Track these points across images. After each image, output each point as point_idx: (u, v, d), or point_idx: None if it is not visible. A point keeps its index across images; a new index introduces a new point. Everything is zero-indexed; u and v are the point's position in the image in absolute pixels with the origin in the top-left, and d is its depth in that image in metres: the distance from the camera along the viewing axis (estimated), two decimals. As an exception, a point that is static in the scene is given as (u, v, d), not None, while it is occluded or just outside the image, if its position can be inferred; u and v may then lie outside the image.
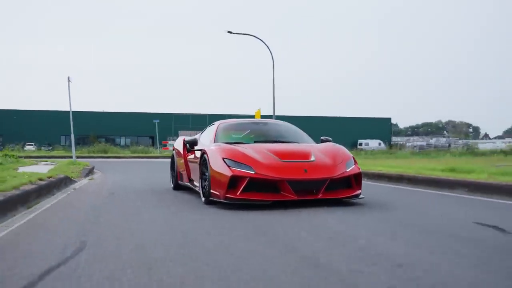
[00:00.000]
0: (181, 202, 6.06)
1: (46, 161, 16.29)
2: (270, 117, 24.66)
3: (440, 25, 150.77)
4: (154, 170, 13.43)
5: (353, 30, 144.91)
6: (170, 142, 39.69)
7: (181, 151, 7.47)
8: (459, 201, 5.99)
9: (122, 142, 56.86)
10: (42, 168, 9.91)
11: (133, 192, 7.12)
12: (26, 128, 54.70)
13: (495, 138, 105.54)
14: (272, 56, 22.31)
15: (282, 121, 7.69)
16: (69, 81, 16.41)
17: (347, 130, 59.91)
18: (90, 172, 11.30)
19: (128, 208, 5.33)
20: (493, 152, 27.10)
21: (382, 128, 66.43)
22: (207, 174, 5.73)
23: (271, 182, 5.27)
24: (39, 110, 58.05)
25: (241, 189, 5.24)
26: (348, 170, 5.60)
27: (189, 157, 7.17)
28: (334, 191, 5.45)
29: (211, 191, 5.52)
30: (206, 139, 6.83)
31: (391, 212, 4.95)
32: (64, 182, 7.60)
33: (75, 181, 8.63)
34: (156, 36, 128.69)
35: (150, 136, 52.54)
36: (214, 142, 6.38)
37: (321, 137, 6.87)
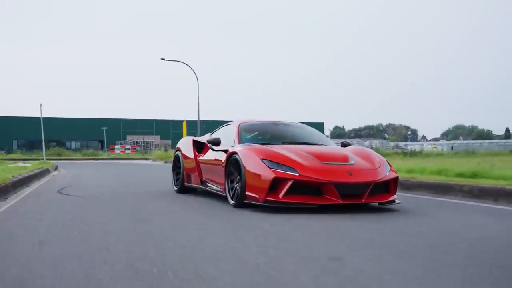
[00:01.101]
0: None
1: (19, 162, 21.25)
2: (195, 122, 29.93)
3: (379, 30, 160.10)
4: (102, 167, 18.90)
5: (290, 37, 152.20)
6: (117, 146, 44.78)
7: (189, 151, 7.33)
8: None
9: (73, 146, 60.98)
10: (26, 165, 15.13)
11: (88, 175, 12.57)
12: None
13: (432, 140, 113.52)
14: (197, 78, 27.92)
15: (301, 123, 7.53)
16: (41, 106, 22.21)
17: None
18: (56, 168, 16.54)
19: (86, 178, 10.78)
20: (409, 153, 32.72)
21: (316, 132, 72.93)
22: (238, 175, 5.60)
23: (316, 185, 5.12)
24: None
25: (283, 191, 5.08)
26: (387, 174, 5.51)
27: (201, 157, 7.02)
28: (376, 195, 5.33)
29: (247, 193, 5.34)
30: (225, 140, 6.60)
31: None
32: (47, 171, 12.98)
33: (51, 172, 13.96)
34: (105, 38, 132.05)
35: (100, 140, 56.92)
36: (239, 143, 6.25)
37: (341, 141, 6.76)
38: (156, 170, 16.50)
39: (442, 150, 67.31)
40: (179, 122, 60.31)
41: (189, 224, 4.57)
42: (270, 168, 5.21)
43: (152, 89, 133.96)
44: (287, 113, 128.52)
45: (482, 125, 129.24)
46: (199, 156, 7.09)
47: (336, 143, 6.81)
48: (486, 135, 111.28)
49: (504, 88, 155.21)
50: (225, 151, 6.20)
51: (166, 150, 38.21)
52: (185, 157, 7.44)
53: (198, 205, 6.07)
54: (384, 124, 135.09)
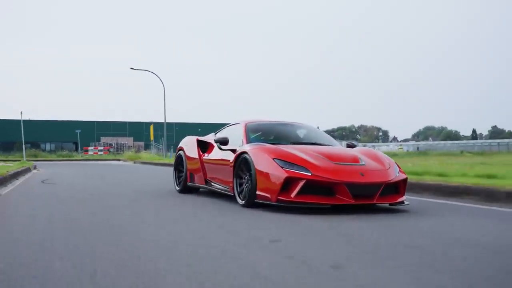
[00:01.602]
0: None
1: (0, 162, 23.14)
2: (161, 124, 32.02)
3: (353, 34, 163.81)
4: (75, 166, 20.97)
5: (264, 40, 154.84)
6: (90, 148, 46.72)
7: (193, 151, 7.33)
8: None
9: (48, 148, 62.41)
10: (9, 165, 17.13)
11: (63, 172, 14.63)
12: None
13: (402, 140, 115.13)
14: (163, 86, 30.03)
15: (307, 124, 7.46)
16: (21, 114, 24.40)
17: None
18: (35, 167, 18.47)
19: (61, 173, 12.86)
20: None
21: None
22: (248, 175, 5.60)
23: (328, 185, 5.11)
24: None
25: (296, 191, 5.08)
26: (397, 175, 5.53)
27: (206, 157, 7.02)
28: (386, 196, 5.34)
29: (258, 193, 5.36)
30: (232, 139, 6.57)
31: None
32: (28, 170, 15.03)
33: (32, 171, 16.02)
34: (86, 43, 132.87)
35: (74, 142, 58.56)
36: (247, 143, 6.23)
37: (347, 142, 6.79)
38: (120, 169, 19.01)
39: (407, 150, 69.58)
40: (150, 124, 62.86)
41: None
42: (282, 167, 5.22)
43: (124, 93, 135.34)
44: (261, 114, 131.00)
45: (451, 126, 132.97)
46: (204, 156, 7.10)
47: (341, 144, 6.89)
48: (454, 136, 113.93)
49: (473, 90, 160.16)
50: (233, 150, 6.24)
51: (138, 151, 40.41)
52: (188, 156, 7.41)
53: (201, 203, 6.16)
54: (356, 125, 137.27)
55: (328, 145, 6.41)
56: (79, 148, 48.05)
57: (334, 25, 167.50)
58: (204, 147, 7.24)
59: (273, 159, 5.34)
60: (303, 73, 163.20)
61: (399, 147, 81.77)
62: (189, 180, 7.32)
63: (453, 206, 5.86)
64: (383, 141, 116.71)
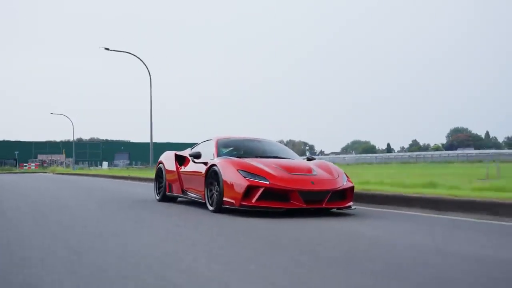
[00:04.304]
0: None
1: None
2: (76, 144, 44.98)
3: (279, 51, 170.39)
4: (12, 176, 28.13)
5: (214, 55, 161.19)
6: (25, 164, 61.13)
7: (171, 164, 8.01)
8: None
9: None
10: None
11: (5, 179, 22.32)
12: None
13: (331, 153, 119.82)
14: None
15: (273, 140, 8.39)
16: None
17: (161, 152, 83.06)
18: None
19: (3, 180, 21.54)
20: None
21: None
22: (217, 184, 6.25)
23: (283, 192, 5.81)
24: None
25: (256, 197, 5.78)
26: (344, 183, 6.22)
27: (183, 169, 7.69)
28: (334, 201, 6.05)
29: (224, 199, 6.03)
30: (205, 153, 7.29)
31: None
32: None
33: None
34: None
35: (14, 159, 71.56)
36: (217, 156, 6.92)
37: (307, 156, 7.66)
38: (38, 178, 25.07)
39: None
40: (82, 143, 79.51)
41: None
42: (245, 177, 5.88)
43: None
44: (203, 128, 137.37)
45: (374, 141, 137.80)
46: (181, 168, 7.78)
47: (303, 158, 7.45)
48: (370, 149, 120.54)
49: (395, 107, 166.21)
50: (205, 163, 6.93)
51: (68, 166, 55.17)
52: (167, 169, 8.12)
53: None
54: (285, 140, 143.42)
55: (288, 158, 7.15)
56: (17, 164, 61.86)
57: (268, 43, 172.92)
58: (181, 160, 7.97)
59: (238, 170, 6.02)
60: (238, 88, 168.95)
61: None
62: (168, 190, 8.05)
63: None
64: (310, 154, 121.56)
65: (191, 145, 9.09)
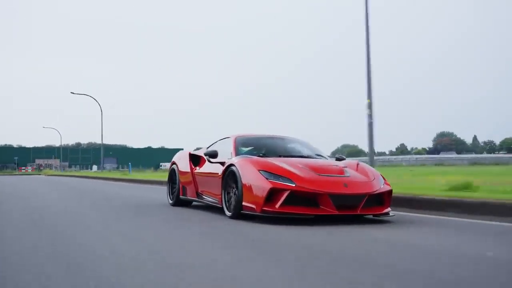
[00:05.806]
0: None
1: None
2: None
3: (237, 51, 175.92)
4: (13, 177, 33.67)
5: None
6: (23, 168, 69.93)
7: (185, 165, 7.45)
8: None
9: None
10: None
11: (5, 180, 28.12)
12: None
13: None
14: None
15: (298, 138, 7.54)
16: None
17: (151, 156, 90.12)
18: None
19: (4, 180, 29.51)
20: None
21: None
22: (235, 187, 5.65)
23: (312, 195, 5.16)
24: None
25: (280, 202, 5.13)
26: (382, 186, 5.56)
27: (198, 170, 7.13)
28: (370, 207, 5.38)
29: (243, 203, 5.42)
30: (222, 153, 6.68)
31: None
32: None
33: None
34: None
35: (14, 163, 79.41)
36: (236, 155, 6.32)
37: (337, 156, 6.78)
38: (32, 178, 30.39)
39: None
40: (75, 148, 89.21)
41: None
42: (267, 179, 5.25)
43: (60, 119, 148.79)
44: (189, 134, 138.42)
45: (362, 145, 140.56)
46: (195, 169, 7.21)
47: (331, 158, 6.83)
48: (355, 152, 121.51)
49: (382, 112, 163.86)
50: (222, 163, 6.31)
51: (63, 169, 64.22)
52: (180, 170, 7.55)
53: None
54: None
55: (316, 158, 6.54)
56: (17, 168, 70.44)
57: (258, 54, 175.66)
58: (196, 161, 7.39)
59: (259, 170, 5.39)
60: (231, 94, 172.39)
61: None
62: (181, 194, 7.46)
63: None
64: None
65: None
